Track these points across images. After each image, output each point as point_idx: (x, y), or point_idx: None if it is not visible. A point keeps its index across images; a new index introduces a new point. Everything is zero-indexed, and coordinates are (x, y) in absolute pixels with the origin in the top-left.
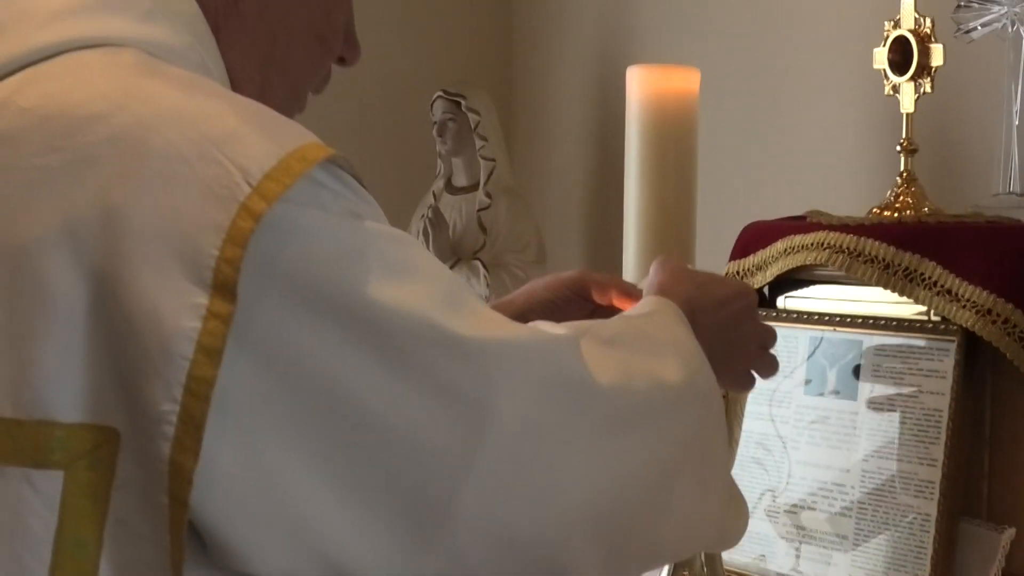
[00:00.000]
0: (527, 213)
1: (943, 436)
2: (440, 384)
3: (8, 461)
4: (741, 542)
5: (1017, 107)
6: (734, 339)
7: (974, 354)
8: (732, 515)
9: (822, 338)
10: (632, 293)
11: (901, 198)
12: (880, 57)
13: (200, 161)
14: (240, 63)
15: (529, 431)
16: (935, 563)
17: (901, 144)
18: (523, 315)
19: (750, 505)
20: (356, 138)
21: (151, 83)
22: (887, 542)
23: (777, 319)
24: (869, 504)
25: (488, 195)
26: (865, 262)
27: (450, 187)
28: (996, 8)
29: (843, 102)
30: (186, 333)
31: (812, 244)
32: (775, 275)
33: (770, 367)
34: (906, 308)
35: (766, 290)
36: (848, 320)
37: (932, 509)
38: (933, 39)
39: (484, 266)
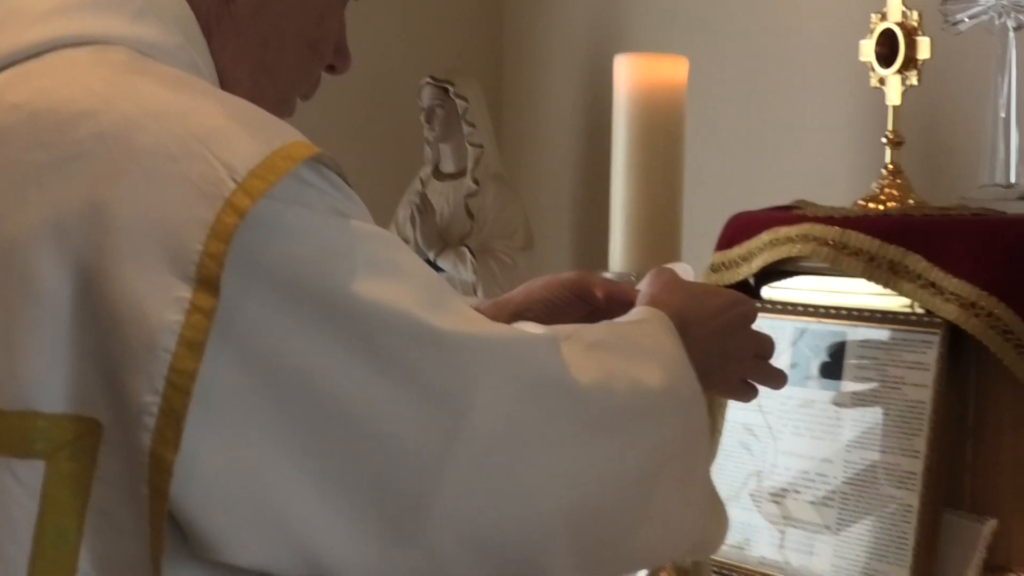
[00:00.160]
0: (515, 200)
1: (926, 428)
2: (419, 381)
3: None
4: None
5: (1004, 99)
6: (728, 349)
7: (958, 347)
8: (712, 524)
9: (806, 329)
10: (633, 297)
11: (886, 190)
12: (867, 49)
13: (187, 158)
14: (231, 66)
15: (506, 429)
16: (917, 554)
17: (887, 136)
18: (520, 314)
19: (734, 491)
20: (344, 124)
21: (140, 81)
22: (869, 532)
23: (761, 310)
24: (852, 494)
25: (476, 181)
26: (850, 255)
27: (438, 173)
28: (983, 0)
29: (830, 93)
30: (169, 326)
31: (797, 236)
32: (760, 267)
33: (774, 378)
34: (891, 300)
35: (751, 280)
36: (832, 311)
37: (914, 500)
38: (920, 32)
39: (471, 252)
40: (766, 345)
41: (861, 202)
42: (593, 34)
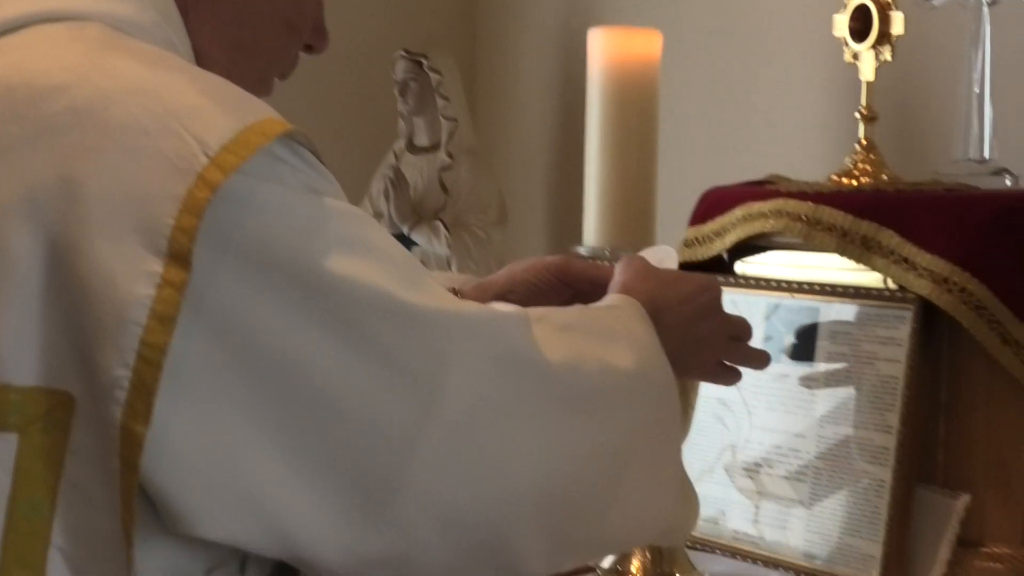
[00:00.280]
0: (489, 174)
1: (899, 403)
2: (392, 357)
3: None
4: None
5: (978, 75)
6: (700, 334)
7: (931, 322)
8: (683, 510)
9: (779, 304)
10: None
11: (860, 165)
12: (841, 24)
13: (160, 133)
14: (208, 45)
15: (478, 407)
16: (890, 529)
17: (860, 111)
18: (503, 296)
19: (708, 465)
20: (317, 97)
21: (114, 56)
22: (842, 507)
23: (735, 285)
24: (825, 469)
25: (450, 155)
26: (823, 230)
27: (411, 147)
28: None
29: (804, 68)
30: (140, 300)
31: (770, 211)
32: (733, 242)
33: (754, 358)
34: (864, 275)
35: (725, 255)
36: (806, 287)
37: (887, 475)
38: (894, 7)
39: (445, 226)
40: (740, 327)
41: (835, 177)
42: (567, 7)
